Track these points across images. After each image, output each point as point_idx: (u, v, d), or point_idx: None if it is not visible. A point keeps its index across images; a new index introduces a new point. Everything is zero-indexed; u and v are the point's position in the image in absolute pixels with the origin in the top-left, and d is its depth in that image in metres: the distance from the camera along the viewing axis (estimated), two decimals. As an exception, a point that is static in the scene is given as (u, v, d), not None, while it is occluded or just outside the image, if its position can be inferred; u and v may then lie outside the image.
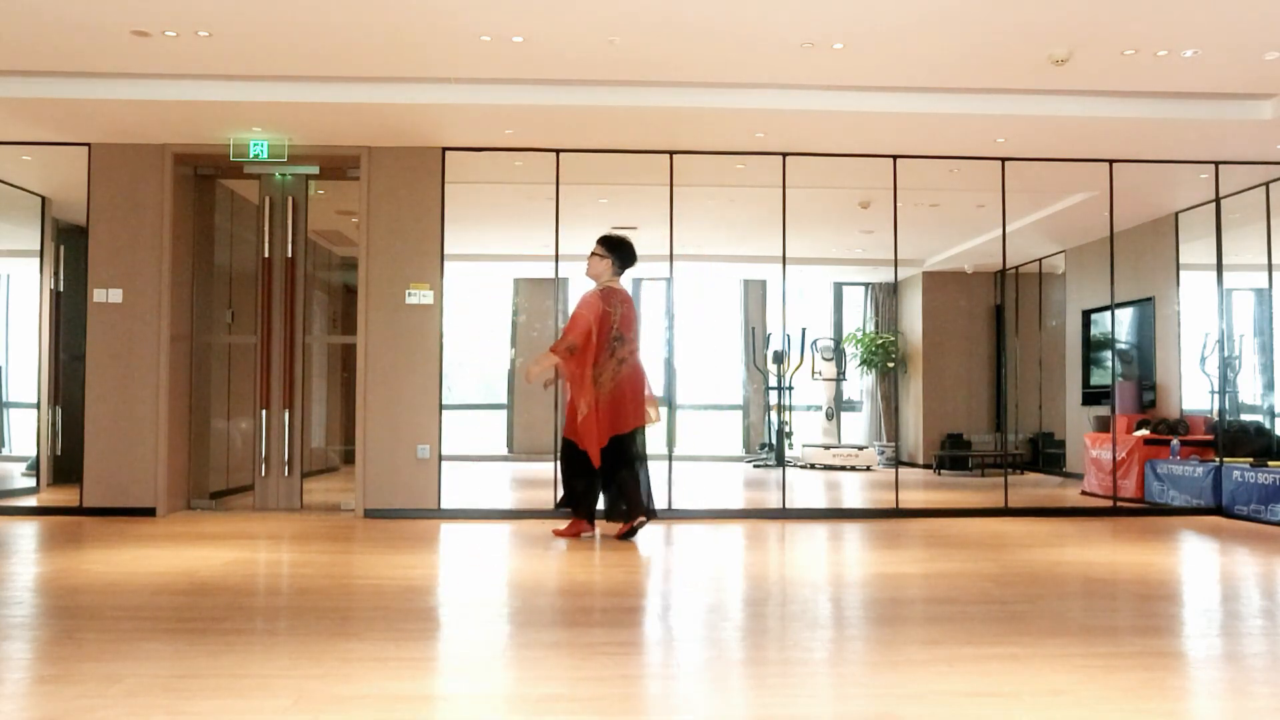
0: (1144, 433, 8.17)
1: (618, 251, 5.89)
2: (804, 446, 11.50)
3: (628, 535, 5.73)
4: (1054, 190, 8.13)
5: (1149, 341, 8.93)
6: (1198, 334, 8.07)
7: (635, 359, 5.83)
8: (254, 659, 3.10)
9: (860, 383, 12.60)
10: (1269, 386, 7.97)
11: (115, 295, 6.84)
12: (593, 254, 5.90)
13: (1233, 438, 7.54)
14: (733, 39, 5.26)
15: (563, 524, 6.02)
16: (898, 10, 4.89)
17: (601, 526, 6.04)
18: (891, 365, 12.12)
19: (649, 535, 5.95)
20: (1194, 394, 8.33)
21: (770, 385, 11.62)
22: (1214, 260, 7.49)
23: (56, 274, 8.08)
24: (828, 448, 11.33)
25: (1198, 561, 5.55)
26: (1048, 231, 9.35)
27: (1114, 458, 8.03)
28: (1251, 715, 2.67)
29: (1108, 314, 8.72)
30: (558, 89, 6.00)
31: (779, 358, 11.26)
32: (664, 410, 6.36)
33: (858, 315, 12.68)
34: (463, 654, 3.32)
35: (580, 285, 11.91)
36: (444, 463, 6.96)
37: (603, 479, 5.79)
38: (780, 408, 11.30)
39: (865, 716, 2.60)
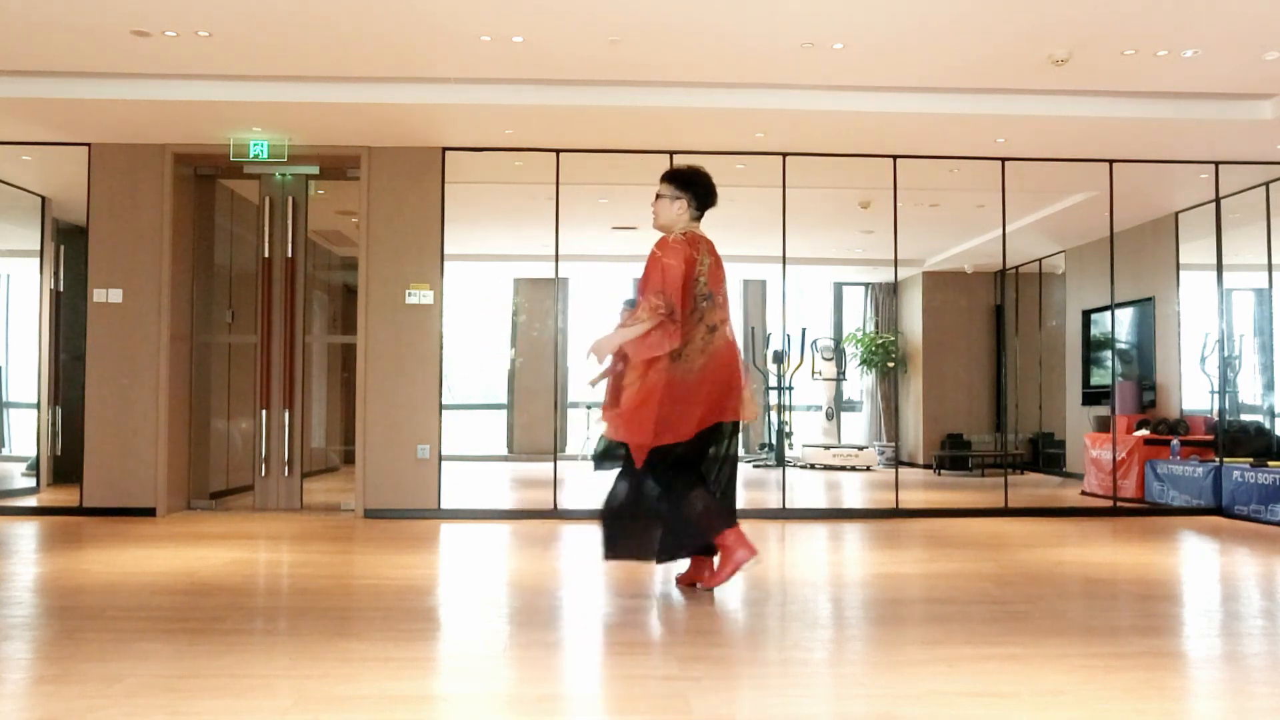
0: (1144, 433, 8.16)
1: (693, 188, 4.28)
2: (804, 446, 11.50)
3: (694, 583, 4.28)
4: (1054, 190, 8.13)
5: (1149, 341, 8.92)
6: (1198, 334, 8.07)
7: (728, 329, 4.23)
8: (254, 659, 3.10)
9: (860, 383, 12.59)
10: (1269, 386, 7.97)
11: (115, 295, 6.83)
12: (659, 196, 4.30)
13: (1233, 438, 7.53)
14: (733, 39, 5.26)
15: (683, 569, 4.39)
16: (898, 10, 4.89)
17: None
18: (891, 365, 12.12)
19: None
20: (1194, 394, 8.33)
21: (770, 385, 11.61)
22: (1214, 260, 7.48)
23: (56, 274, 8.08)
24: (828, 448, 11.32)
25: (1198, 562, 5.55)
26: (1048, 231, 9.35)
27: (1114, 458, 8.02)
28: (1251, 715, 2.67)
29: (1108, 314, 8.71)
30: (558, 89, 6.00)
31: (779, 358, 11.26)
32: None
33: (858, 315, 12.68)
34: (463, 654, 3.32)
35: (581, 285, 12.04)
36: (444, 463, 6.95)
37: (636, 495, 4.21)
38: (780, 408, 11.30)
39: (865, 716, 2.60)
